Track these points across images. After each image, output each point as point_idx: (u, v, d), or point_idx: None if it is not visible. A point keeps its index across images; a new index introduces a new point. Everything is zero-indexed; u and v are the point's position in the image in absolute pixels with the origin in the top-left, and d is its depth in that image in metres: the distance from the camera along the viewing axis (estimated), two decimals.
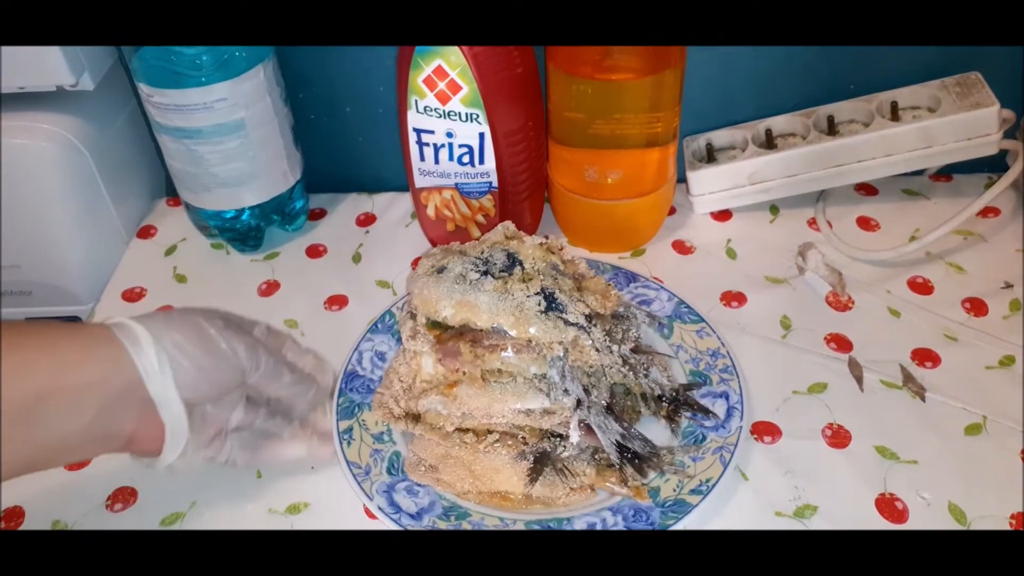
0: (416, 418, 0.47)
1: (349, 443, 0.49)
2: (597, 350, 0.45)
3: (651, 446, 0.46)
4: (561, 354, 0.44)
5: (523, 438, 0.46)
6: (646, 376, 0.48)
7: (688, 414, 0.49)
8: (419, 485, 0.47)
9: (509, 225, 0.51)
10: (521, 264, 0.47)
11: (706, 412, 0.48)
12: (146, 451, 0.42)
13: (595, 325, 0.46)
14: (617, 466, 0.45)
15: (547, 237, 0.49)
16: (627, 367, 0.47)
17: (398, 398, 0.49)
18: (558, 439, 0.46)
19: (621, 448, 0.45)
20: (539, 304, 0.45)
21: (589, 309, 0.46)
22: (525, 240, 0.49)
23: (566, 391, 0.44)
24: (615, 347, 0.46)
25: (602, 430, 0.45)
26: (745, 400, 0.49)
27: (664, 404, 0.49)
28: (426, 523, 0.45)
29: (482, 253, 0.48)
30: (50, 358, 0.37)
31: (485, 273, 0.46)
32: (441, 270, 0.47)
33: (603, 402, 0.46)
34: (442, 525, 0.45)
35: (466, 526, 0.45)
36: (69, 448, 0.39)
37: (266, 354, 0.44)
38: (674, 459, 0.46)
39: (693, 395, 0.50)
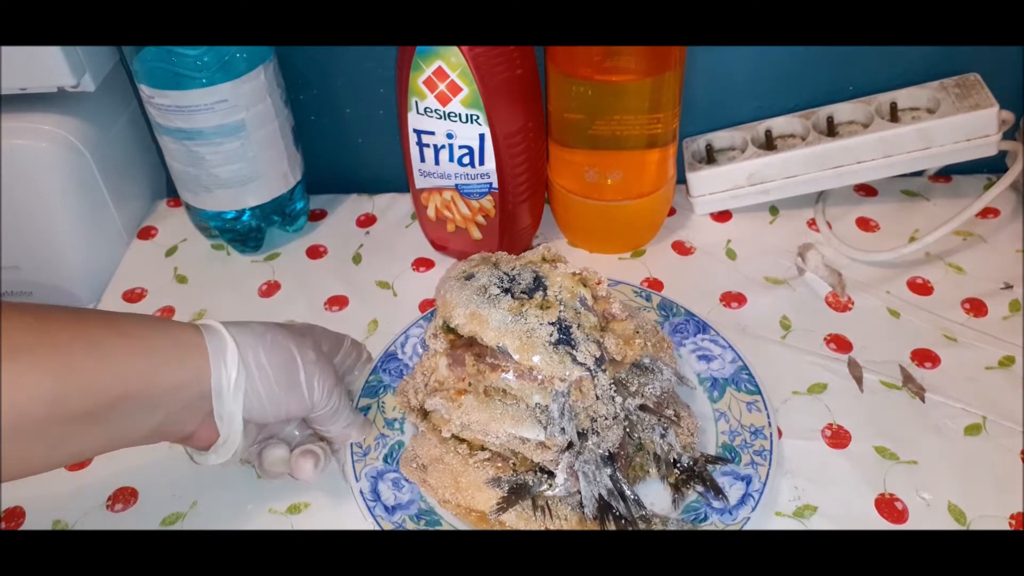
0: (425, 414, 0.47)
1: None
2: (597, 396, 0.43)
3: (642, 510, 0.43)
4: (564, 391, 0.43)
5: (514, 464, 0.45)
6: (663, 437, 0.46)
7: (698, 488, 0.45)
8: (406, 480, 0.47)
9: (552, 247, 0.49)
10: (545, 290, 0.45)
11: (717, 492, 0.44)
12: (196, 445, 0.43)
13: (604, 371, 0.43)
14: (590, 519, 0.43)
15: (585, 269, 0.47)
16: (627, 423, 0.45)
17: (418, 390, 0.49)
18: (546, 475, 0.44)
19: (603, 504, 0.43)
20: (551, 335, 0.43)
21: (601, 352, 0.44)
22: (559, 266, 0.47)
23: (562, 430, 0.43)
24: (620, 399, 0.44)
25: (588, 479, 0.43)
26: (767, 494, 0.45)
27: (675, 471, 0.46)
28: (396, 519, 0.45)
29: (512, 269, 0.47)
30: (143, 362, 0.37)
31: (507, 291, 0.45)
32: (470, 277, 0.46)
33: (603, 451, 0.43)
34: (410, 526, 0.45)
35: None
36: (129, 443, 0.39)
37: (338, 397, 0.45)
38: (663, 531, 0.43)
39: (711, 470, 0.46)
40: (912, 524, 0.45)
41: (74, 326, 0.36)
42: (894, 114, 0.63)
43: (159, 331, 0.39)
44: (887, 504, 0.46)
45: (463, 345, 0.45)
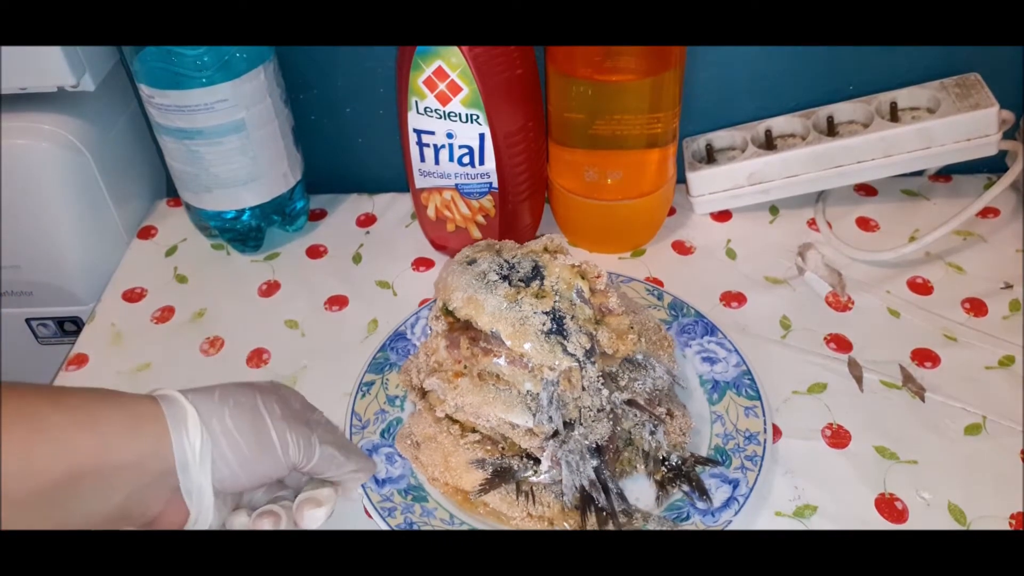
0: (424, 393, 0.48)
1: (363, 395, 0.51)
2: (584, 388, 0.43)
3: (624, 503, 0.43)
4: (553, 379, 0.43)
5: (502, 448, 0.46)
6: (652, 434, 0.46)
7: (684, 488, 0.45)
8: (400, 456, 0.48)
9: (555, 238, 0.49)
10: (542, 279, 0.46)
11: (702, 493, 0.44)
12: (164, 526, 0.39)
13: (593, 363, 0.44)
14: (569, 507, 0.44)
15: (585, 262, 0.47)
16: (611, 416, 0.45)
17: (420, 369, 0.49)
18: (532, 461, 0.45)
19: (585, 495, 0.43)
20: (544, 324, 0.43)
21: (592, 344, 0.44)
22: (558, 257, 0.47)
23: (549, 418, 0.43)
24: (607, 392, 0.44)
25: (571, 469, 0.43)
26: (751, 500, 0.44)
27: (663, 468, 0.46)
28: (385, 492, 0.46)
29: (513, 257, 0.47)
30: (90, 436, 0.35)
31: (505, 278, 0.46)
32: (472, 262, 0.47)
33: (591, 443, 0.43)
34: (397, 500, 0.46)
35: (417, 509, 0.45)
36: (87, 527, 0.36)
37: (320, 445, 0.41)
38: (644, 526, 0.43)
39: (699, 470, 0.46)
40: (912, 524, 0.45)
41: (13, 402, 0.33)
42: (894, 114, 0.63)
43: (108, 403, 0.36)
44: (887, 504, 0.46)
45: (460, 328, 0.46)
